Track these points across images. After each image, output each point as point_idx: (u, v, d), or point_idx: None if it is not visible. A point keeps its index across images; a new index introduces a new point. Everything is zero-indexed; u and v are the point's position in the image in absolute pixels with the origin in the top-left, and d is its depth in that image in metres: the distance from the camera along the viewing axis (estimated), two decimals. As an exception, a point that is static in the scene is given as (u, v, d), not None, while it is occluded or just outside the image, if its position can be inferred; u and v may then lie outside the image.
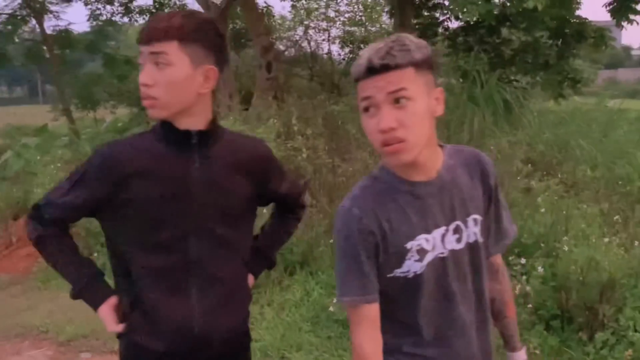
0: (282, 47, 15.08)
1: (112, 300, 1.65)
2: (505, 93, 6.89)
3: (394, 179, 1.45)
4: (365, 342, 1.44)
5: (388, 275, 1.45)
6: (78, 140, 9.83)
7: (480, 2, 6.71)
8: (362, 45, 14.31)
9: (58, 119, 14.96)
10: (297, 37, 15.86)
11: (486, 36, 9.33)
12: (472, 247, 1.50)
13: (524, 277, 3.66)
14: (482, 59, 8.32)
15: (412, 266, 1.44)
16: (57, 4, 17.15)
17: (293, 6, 15.16)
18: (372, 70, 1.33)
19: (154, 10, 17.19)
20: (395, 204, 1.44)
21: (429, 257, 1.45)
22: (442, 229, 1.46)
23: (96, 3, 17.38)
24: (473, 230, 1.50)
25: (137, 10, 17.45)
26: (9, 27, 16.45)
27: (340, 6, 15.06)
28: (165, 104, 1.53)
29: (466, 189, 1.50)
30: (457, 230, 1.48)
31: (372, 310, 1.44)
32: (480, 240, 1.51)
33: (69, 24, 17.31)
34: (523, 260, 3.70)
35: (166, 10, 17.22)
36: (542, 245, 3.85)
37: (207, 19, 1.63)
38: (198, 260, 1.59)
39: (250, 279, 1.79)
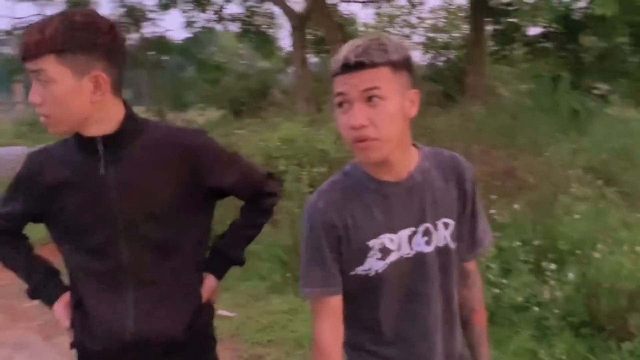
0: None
1: (66, 297, 1.67)
2: (573, 100, 6.73)
3: (363, 177, 1.46)
4: (325, 334, 1.45)
5: (350, 273, 1.45)
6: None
7: (548, 8, 6.62)
8: (441, 52, 14.29)
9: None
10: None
11: (566, 42, 9.10)
12: (442, 251, 1.48)
13: (554, 283, 3.65)
14: (560, 66, 8.16)
15: (373, 264, 1.44)
16: (156, 11, 18.22)
17: (377, 13, 15.39)
18: (347, 67, 1.33)
19: (245, 18, 17.94)
20: (361, 201, 1.44)
21: (392, 257, 1.44)
22: (410, 230, 1.45)
23: (192, 11, 18.36)
24: (443, 234, 1.48)
25: (229, 17, 18.30)
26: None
27: (422, 13, 15.14)
28: (59, 120, 1.47)
29: (439, 192, 1.48)
30: (426, 233, 1.46)
31: (334, 302, 1.46)
32: (452, 245, 1.49)
33: (166, 30, 18.20)
34: (553, 266, 3.69)
35: (256, 19, 17.94)
36: (578, 252, 3.82)
37: (86, 20, 1.44)
38: (131, 263, 1.56)
39: (211, 279, 1.73)
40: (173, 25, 18.89)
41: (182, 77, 18.38)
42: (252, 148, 6.47)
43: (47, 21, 1.41)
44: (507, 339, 3.70)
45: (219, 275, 1.76)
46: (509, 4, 10.13)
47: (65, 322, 1.66)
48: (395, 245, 1.44)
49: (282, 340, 4.02)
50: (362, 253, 1.43)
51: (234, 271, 4.93)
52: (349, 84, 1.34)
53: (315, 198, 1.47)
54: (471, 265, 1.62)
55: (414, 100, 1.41)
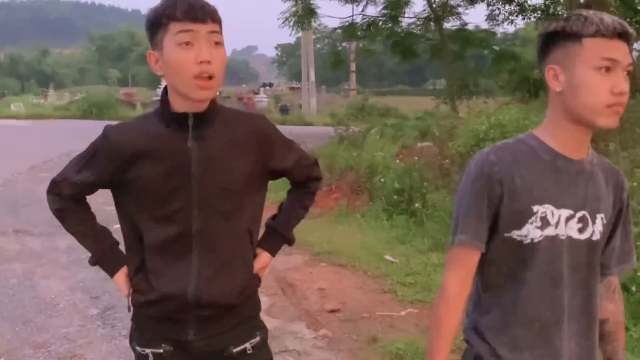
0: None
1: (125, 268, 1.75)
2: None
3: (539, 146, 1.45)
4: (455, 285, 1.45)
5: (505, 234, 1.43)
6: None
7: None
8: None
9: (438, 106, 17.07)
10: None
11: None
12: (592, 244, 1.45)
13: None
14: None
15: (531, 232, 1.41)
16: (461, 6, 19.18)
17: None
18: (623, 35, 1.35)
19: (544, 8, 17.76)
20: (532, 167, 1.43)
21: (549, 231, 1.41)
22: (569, 212, 1.43)
23: (497, 3, 18.86)
24: (599, 228, 1.45)
25: (531, 7, 18.30)
26: (419, 29, 19.29)
27: None
28: (218, 83, 1.58)
29: (601, 188, 1.47)
30: (582, 220, 1.44)
31: (475, 259, 1.45)
32: (601, 243, 1.47)
33: (466, 24, 19.06)
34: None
35: (558, 8, 17.56)
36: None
37: None
38: (199, 231, 1.63)
39: (266, 256, 1.82)
40: (474, 18, 19.43)
41: (478, 67, 19.04)
42: (466, 131, 7.15)
43: None
44: None
45: (273, 252, 1.85)
46: None
47: (125, 290, 1.74)
48: (554, 220, 1.42)
49: (418, 283, 4.87)
50: (523, 216, 1.41)
51: (412, 229, 5.90)
52: (622, 53, 1.35)
53: (487, 150, 1.46)
54: (616, 279, 1.57)
55: None
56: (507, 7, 18.85)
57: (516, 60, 18.14)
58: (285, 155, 1.78)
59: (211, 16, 1.52)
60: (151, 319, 1.71)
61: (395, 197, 6.61)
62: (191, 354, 1.72)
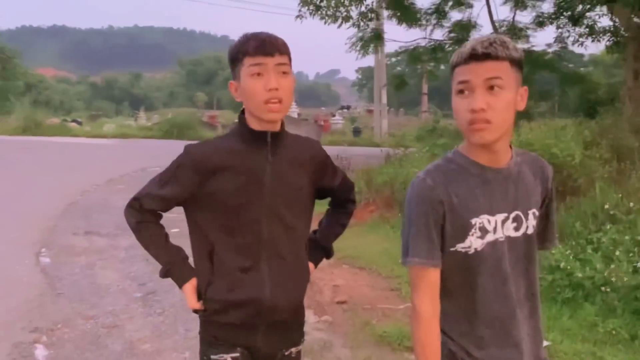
0: None
1: (194, 280, 1.87)
2: None
3: (466, 162, 1.57)
4: (425, 304, 1.54)
5: (450, 249, 1.55)
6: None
7: None
8: None
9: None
10: None
11: None
12: (528, 239, 1.60)
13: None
14: None
15: (473, 242, 1.53)
16: (530, 28, 19.19)
17: None
18: (474, 57, 1.46)
19: (613, 30, 17.55)
20: (464, 183, 1.55)
21: (489, 238, 1.54)
22: (504, 215, 1.56)
23: (566, 25, 18.78)
24: (532, 222, 1.60)
25: (601, 30, 18.10)
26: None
27: None
28: (286, 106, 1.79)
29: (530, 185, 1.61)
30: (516, 219, 1.58)
31: (435, 275, 1.55)
32: (534, 235, 1.63)
33: (532, 46, 19.03)
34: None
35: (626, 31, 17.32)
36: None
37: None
38: (268, 240, 1.80)
39: (310, 265, 1.99)
40: (540, 40, 19.35)
41: (542, 89, 18.99)
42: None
43: (269, 34, 1.81)
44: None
45: (316, 263, 2.05)
46: None
47: (193, 302, 1.87)
48: (492, 227, 1.55)
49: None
50: (464, 230, 1.54)
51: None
52: (474, 73, 1.47)
53: (422, 176, 1.58)
54: None
55: (523, 96, 1.54)
56: (576, 29, 18.73)
57: (583, 81, 18.02)
58: (334, 177, 2.02)
59: (279, 50, 1.77)
60: (225, 327, 1.85)
61: (421, 208, 7.01)
62: (255, 359, 1.90)
